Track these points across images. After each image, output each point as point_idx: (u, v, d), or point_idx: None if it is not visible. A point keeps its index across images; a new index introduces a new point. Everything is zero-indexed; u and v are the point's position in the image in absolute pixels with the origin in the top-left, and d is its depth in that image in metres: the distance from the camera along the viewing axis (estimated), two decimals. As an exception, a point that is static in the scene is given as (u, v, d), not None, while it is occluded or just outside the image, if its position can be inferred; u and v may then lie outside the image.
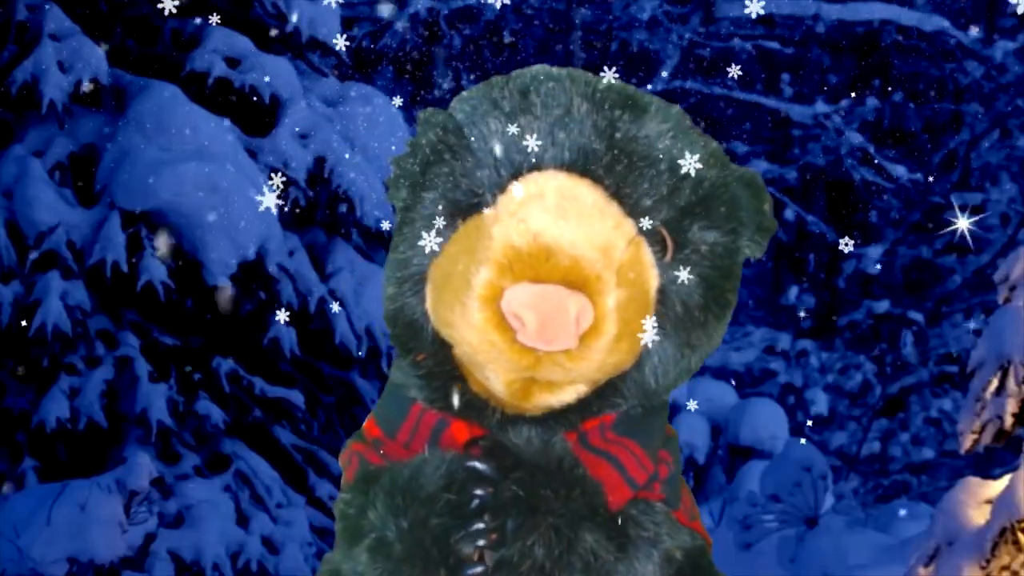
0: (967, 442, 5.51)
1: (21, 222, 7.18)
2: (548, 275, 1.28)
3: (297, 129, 7.95)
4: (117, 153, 7.37)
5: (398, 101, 1.91)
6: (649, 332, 1.32)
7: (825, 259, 16.67)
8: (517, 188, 1.33)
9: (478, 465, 1.34)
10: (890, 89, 16.25)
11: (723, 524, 9.23)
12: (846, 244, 1.55)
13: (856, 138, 15.77)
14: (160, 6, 1.40)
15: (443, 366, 1.40)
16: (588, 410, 1.38)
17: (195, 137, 7.37)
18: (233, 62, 7.88)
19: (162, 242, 7.26)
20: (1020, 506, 5.01)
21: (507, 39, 16.22)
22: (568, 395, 1.36)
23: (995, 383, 5.41)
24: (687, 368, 1.39)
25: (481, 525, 1.32)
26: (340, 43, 1.61)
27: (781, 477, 8.67)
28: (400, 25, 15.56)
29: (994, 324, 5.54)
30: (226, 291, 7.45)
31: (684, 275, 1.35)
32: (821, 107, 16.01)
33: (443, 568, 1.31)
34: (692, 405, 1.79)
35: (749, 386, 15.47)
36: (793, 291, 16.61)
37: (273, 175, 1.51)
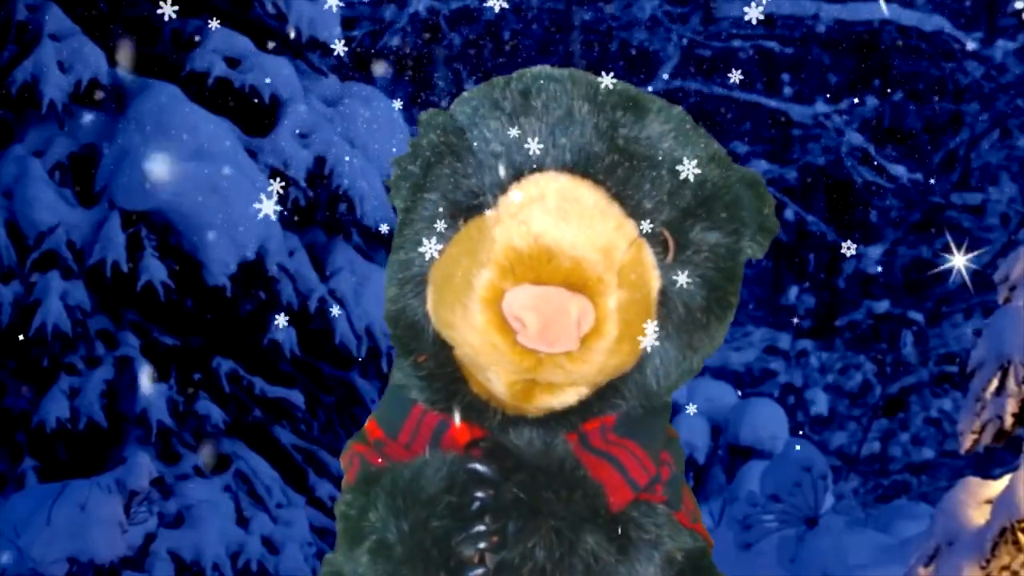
0: (967, 442, 5.51)
1: (21, 222, 7.18)
2: (549, 277, 1.28)
3: (297, 129, 7.94)
4: (117, 153, 7.37)
5: (398, 104, 1.91)
6: (650, 335, 1.32)
7: (825, 259, 16.67)
8: (518, 190, 1.32)
9: (479, 467, 1.33)
10: (890, 89, 16.24)
11: (723, 524, 9.22)
12: (848, 248, 1.52)
13: (856, 138, 15.76)
14: (160, 12, 1.40)
15: (444, 367, 1.39)
16: (589, 411, 1.38)
17: (195, 137, 7.37)
18: (233, 62, 7.87)
19: (162, 242, 7.27)
20: (1020, 506, 5.01)
21: (507, 39, 16.22)
22: (569, 396, 1.35)
23: (995, 383, 5.41)
24: (689, 369, 1.39)
25: (482, 527, 1.31)
26: (339, 48, 1.60)
27: (781, 477, 8.67)
28: (400, 25, 15.55)
29: (994, 324, 5.54)
30: (226, 291, 7.44)
31: (685, 277, 1.35)
32: (821, 107, 16.01)
33: (444, 570, 1.31)
34: (691, 409, 1.79)
35: (749, 386, 15.46)
36: (793, 291, 16.60)
37: (273, 177, 1.51)
